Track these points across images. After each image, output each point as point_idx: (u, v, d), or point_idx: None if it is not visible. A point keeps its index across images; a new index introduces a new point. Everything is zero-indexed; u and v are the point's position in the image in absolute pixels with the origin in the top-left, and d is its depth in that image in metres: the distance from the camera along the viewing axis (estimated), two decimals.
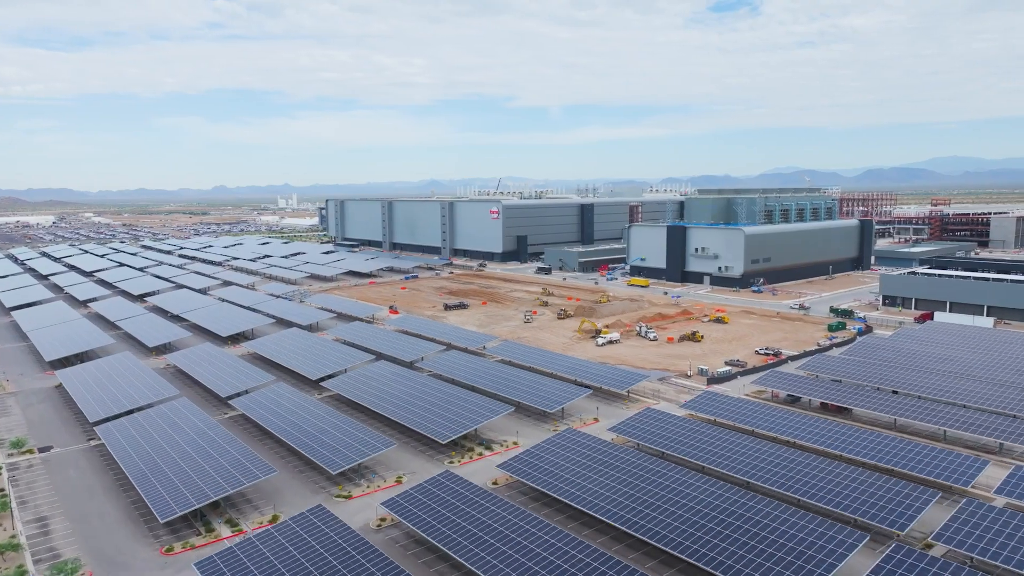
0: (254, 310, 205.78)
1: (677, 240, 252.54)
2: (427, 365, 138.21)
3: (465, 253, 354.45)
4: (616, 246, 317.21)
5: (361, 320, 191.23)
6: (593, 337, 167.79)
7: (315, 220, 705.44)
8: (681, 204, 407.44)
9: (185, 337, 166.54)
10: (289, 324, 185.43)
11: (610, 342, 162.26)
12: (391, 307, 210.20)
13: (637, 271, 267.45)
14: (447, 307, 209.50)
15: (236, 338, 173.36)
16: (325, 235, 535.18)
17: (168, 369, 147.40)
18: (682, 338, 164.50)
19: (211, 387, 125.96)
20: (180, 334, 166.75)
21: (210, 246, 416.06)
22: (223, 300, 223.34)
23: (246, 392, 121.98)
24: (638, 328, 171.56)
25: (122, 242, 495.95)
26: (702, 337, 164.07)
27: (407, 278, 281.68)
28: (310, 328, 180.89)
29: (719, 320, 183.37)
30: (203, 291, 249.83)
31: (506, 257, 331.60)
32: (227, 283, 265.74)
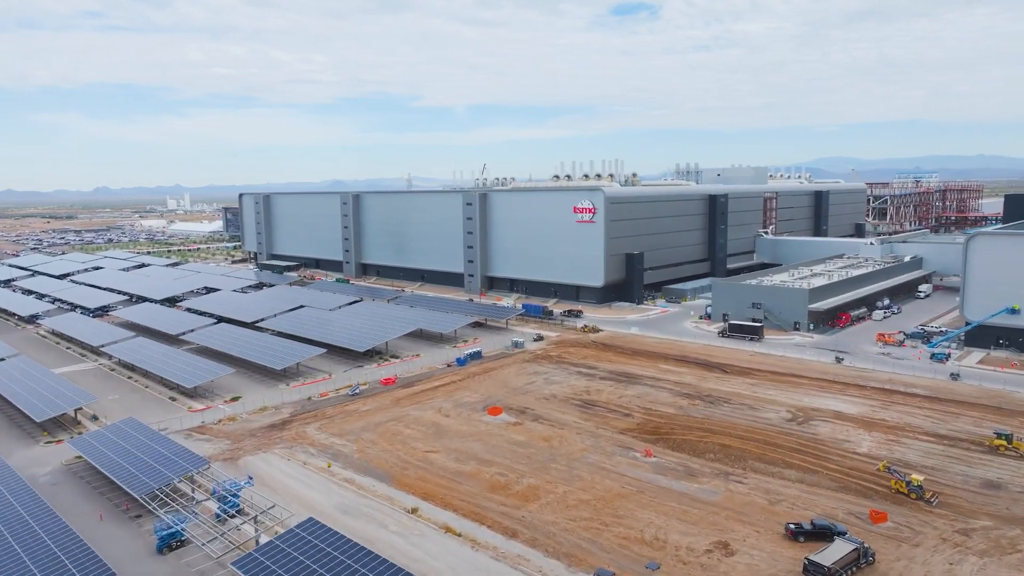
0: None
1: None
2: None
3: (513, 285, 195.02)
4: (817, 274, 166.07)
5: None
6: None
7: (217, 224, 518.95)
8: (819, 195, 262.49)
9: None
10: None
11: None
12: None
13: (992, 336, 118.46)
14: None
15: None
16: (236, 247, 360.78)
17: None
18: None
19: None
20: None
21: (32, 275, 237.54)
22: None
23: None
24: None
25: None
26: None
27: (462, 363, 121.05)
28: None
29: None
30: None
31: (607, 295, 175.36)
32: None
